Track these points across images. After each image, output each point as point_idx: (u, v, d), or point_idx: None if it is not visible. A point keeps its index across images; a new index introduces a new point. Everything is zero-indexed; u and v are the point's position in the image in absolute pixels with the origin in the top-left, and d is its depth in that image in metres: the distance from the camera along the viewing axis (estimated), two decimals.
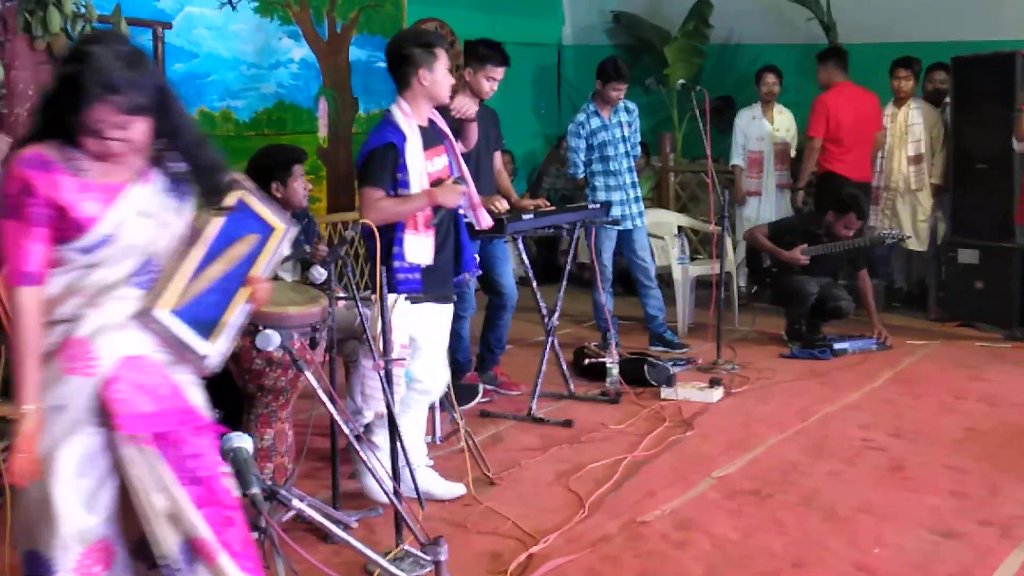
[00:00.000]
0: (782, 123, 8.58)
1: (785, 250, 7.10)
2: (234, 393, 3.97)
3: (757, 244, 7.33)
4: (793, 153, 8.62)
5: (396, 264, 4.21)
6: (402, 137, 4.21)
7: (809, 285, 6.98)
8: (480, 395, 5.88)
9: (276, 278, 4.61)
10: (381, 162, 4.18)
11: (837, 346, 6.94)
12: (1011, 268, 7.43)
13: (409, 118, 4.26)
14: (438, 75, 4.30)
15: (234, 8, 7.63)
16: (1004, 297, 7.45)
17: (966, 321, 7.60)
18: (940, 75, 8.07)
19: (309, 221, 5.11)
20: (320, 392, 3.33)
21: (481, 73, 5.75)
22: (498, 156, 6.15)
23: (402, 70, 4.27)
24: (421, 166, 4.27)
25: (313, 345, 3.86)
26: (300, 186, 4.84)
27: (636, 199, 7.03)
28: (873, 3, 9.30)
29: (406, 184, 4.20)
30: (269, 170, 4.79)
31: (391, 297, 4.09)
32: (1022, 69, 7.36)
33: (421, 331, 4.35)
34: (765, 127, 8.52)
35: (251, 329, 3.58)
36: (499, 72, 5.78)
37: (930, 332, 7.48)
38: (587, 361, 6.42)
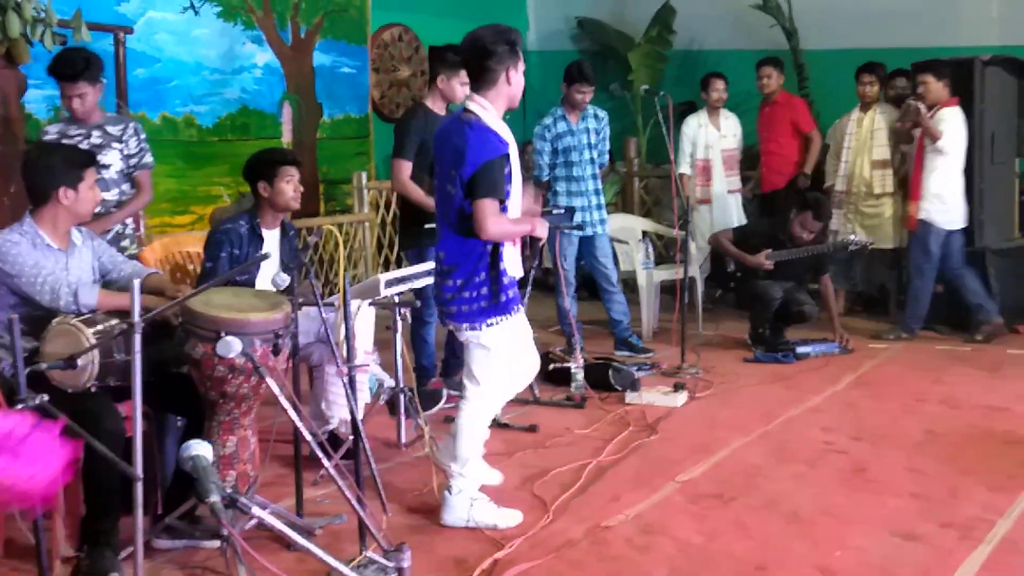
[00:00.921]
0: (729, 129, 8.55)
1: (750, 255, 7.15)
2: (196, 400, 3.94)
3: (722, 249, 7.36)
4: (740, 157, 8.63)
5: (504, 281, 4.11)
6: (507, 145, 4.06)
7: (773, 290, 7.02)
8: (443, 400, 5.87)
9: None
10: (500, 173, 3.99)
11: (800, 350, 6.99)
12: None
13: (498, 122, 4.10)
14: (521, 76, 4.16)
15: (197, 13, 7.59)
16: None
17: (927, 325, 7.67)
18: (901, 81, 8.15)
19: (295, 234, 5.08)
20: (282, 399, 3.31)
21: (456, 79, 5.78)
22: None
23: (487, 66, 4.05)
24: (519, 177, 4.19)
25: (276, 351, 3.84)
26: (289, 188, 4.79)
27: (599, 206, 7.05)
28: (834, 10, 9.41)
29: (508, 195, 4.08)
30: (257, 169, 4.81)
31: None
32: (980, 74, 7.46)
33: (523, 338, 4.29)
34: (712, 134, 8.49)
35: (213, 336, 3.56)
36: None
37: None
38: (552, 366, 6.42)
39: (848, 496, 4.50)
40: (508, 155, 4.03)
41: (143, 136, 5.35)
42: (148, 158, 5.37)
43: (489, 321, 4.10)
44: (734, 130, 8.59)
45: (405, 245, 6.03)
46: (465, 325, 4.12)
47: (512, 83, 4.09)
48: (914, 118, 7.32)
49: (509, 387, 4.36)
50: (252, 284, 4.72)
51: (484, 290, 4.07)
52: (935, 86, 7.27)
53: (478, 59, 4.06)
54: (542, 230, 4.23)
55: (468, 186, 3.97)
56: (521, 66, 4.14)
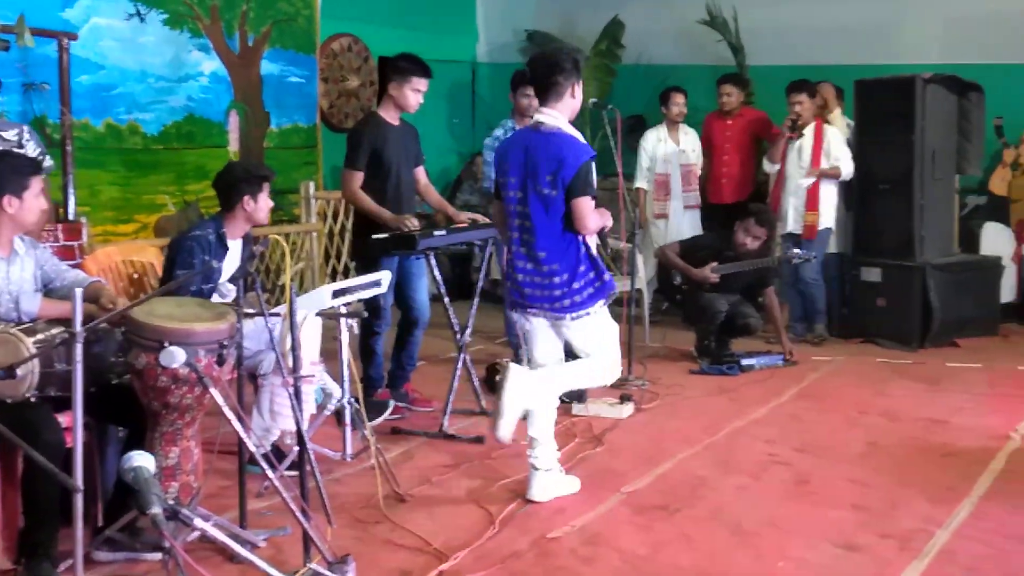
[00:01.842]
0: (688, 144, 8.66)
1: (696, 268, 7.20)
2: (138, 410, 3.89)
3: (668, 262, 7.42)
4: (699, 172, 8.73)
5: (602, 273, 4.57)
6: (592, 148, 4.56)
7: (718, 303, 7.08)
8: (389, 411, 5.84)
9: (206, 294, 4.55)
10: (593, 173, 4.49)
11: (745, 362, 7.05)
12: (912, 286, 7.65)
13: (573, 129, 4.58)
14: (581, 91, 4.59)
15: (143, 20, 7.51)
16: (905, 314, 7.66)
17: (869, 338, 7.78)
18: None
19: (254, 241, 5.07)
20: (226, 410, 3.28)
21: (407, 86, 5.79)
22: (423, 172, 6.16)
23: (556, 80, 4.48)
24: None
25: (221, 362, 3.81)
26: (266, 204, 4.91)
27: None
28: (780, 27, 9.54)
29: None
30: (244, 183, 4.84)
31: None
32: (921, 92, 7.59)
33: (613, 328, 4.69)
34: (672, 148, 8.59)
35: (156, 346, 3.52)
36: (424, 84, 5.85)
37: (834, 348, 7.64)
38: (499, 378, 6.40)
39: (791, 507, 4.55)
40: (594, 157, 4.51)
41: (37, 138, 5.31)
42: (49, 162, 5.32)
43: (601, 302, 4.58)
44: (693, 145, 8.68)
45: (355, 255, 6.01)
46: (581, 312, 4.53)
47: (576, 97, 4.55)
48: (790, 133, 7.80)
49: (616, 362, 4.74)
50: (210, 295, 4.71)
51: (590, 275, 4.53)
52: (809, 105, 7.75)
53: (548, 74, 4.50)
54: (609, 220, 4.70)
55: (568, 187, 4.41)
56: (581, 82, 4.57)
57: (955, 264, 7.96)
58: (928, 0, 9.40)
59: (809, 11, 9.55)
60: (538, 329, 4.67)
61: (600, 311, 4.58)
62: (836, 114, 8.30)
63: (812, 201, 7.78)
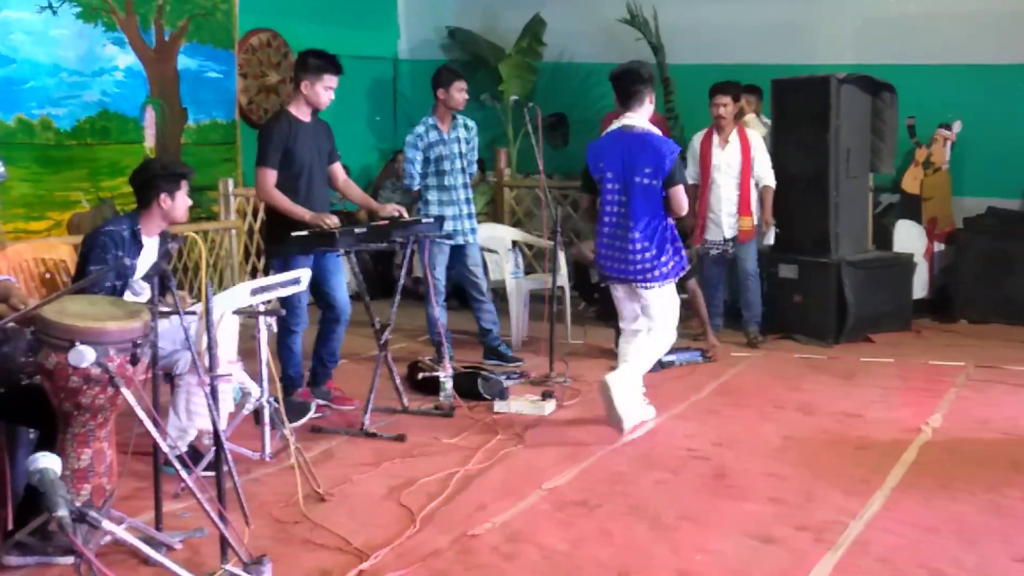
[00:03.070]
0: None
1: None
2: (49, 411, 3.81)
3: (583, 260, 7.44)
4: None
5: (678, 246, 5.64)
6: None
7: None
8: (312, 412, 5.79)
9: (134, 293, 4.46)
10: (682, 165, 5.78)
11: (665, 359, 7.08)
12: (828, 283, 7.78)
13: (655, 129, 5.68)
14: (654, 99, 5.71)
15: (55, 13, 7.35)
16: (822, 310, 7.80)
17: (786, 334, 7.90)
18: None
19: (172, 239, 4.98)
20: (139, 410, 3.22)
21: (319, 84, 5.74)
22: (340, 168, 6.10)
23: (639, 89, 5.56)
24: None
25: (134, 361, 3.74)
26: (184, 203, 4.87)
27: (469, 215, 7.07)
28: (699, 26, 9.66)
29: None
30: (161, 180, 4.79)
31: None
32: (836, 92, 7.73)
33: (677, 300, 5.75)
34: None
35: (66, 345, 3.44)
36: (335, 81, 5.80)
37: (752, 344, 7.74)
38: (421, 375, 6.40)
39: (709, 501, 4.61)
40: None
41: None
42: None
43: (679, 274, 5.66)
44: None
45: (271, 253, 5.94)
46: (662, 282, 5.58)
47: (652, 103, 5.65)
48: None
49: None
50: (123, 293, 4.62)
51: (671, 251, 5.57)
52: (732, 108, 7.69)
53: (632, 84, 5.58)
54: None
55: (667, 178, 5.48)
56: (654, 92, 5.68)
57: (869, 261, 8.12)
58: (843, 2, 9.59)
59: (728, 11, 9.69)
60: (624, 296, 5.75)
61: (673, 285, 5.66)
62: (751, 118, 8.37)
63: (744, 205, 7.70)
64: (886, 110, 8.20)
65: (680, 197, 5.55)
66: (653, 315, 5.66)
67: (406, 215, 6.07)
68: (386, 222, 5.98)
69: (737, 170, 7.70)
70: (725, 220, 7.73)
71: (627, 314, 5.79)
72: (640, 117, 5.59)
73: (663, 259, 5.55)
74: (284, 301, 5.48)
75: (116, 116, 7.84)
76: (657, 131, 5.64)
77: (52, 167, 7.38)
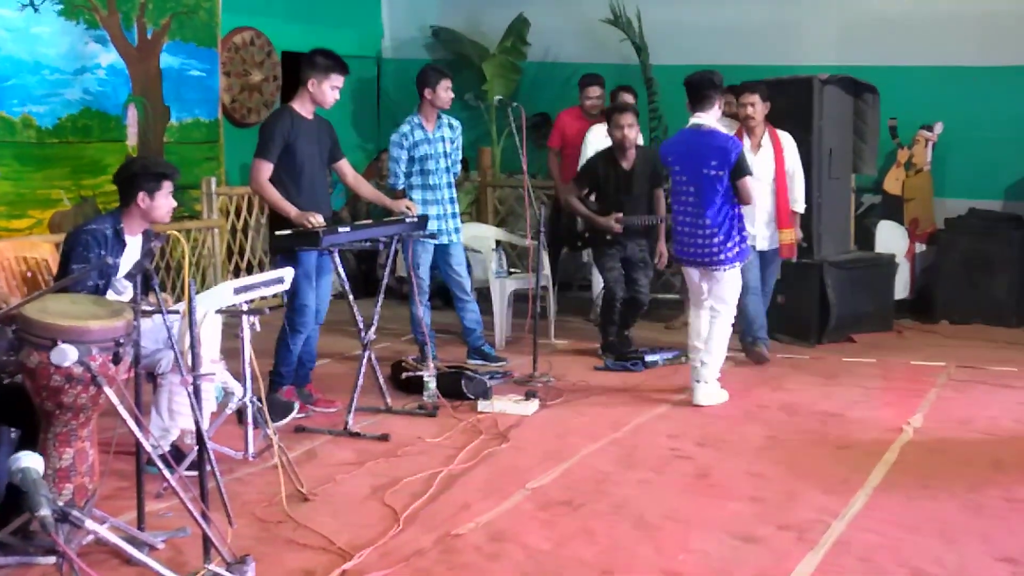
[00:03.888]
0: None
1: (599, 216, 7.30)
2: (31, 410, 3.79)
3: (573, 209, 7.39)
4: None
5: (744, 235, 6.24)
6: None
7: (617, 288, 7.19)
8: (295, 412, 5.78)
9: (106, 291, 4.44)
10: (746, 159, 6.21)
11: (648, 359, 7.13)
12: (810, 283, 7.81)
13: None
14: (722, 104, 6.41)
15: (36, 10, 7.30)
16: (804, 311, 7.82)
17: (769, 333, 7.90)
18: (729, 97, 8.31)
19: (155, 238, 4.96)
20: (121, 410, 3.21)
21: (327, 83, 5.79)
22: (347, 165, 6.18)
23: (710, 94, 6.14)
24: None
25: (116, 360, 3.73)
26: (168, 202, 4.84)
27: (453, 214, 7.07)
28: (682, 27, 9.68)
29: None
30: (139, 179, 4.77)
31: None
32: (819, 92, 7.75)
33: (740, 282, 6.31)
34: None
35: (48, 344, 3.43)
36: (342, 81, 5.86)
37: (735, 344, 7.74)
38: (404, 375, 6.40)
39: (692, 501, 4.62)
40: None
41: None
42: None
43: (744, 259, 6.23)
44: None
45: (274, 249, 5.92)
46: (730, 265, 6.11)
47: (720, 108, 6.28)
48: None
49: None
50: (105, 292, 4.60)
51: (737, 237, 6.12)
52: (761, 108, 7.18)
53: (704, 88, 6.16)
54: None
55: (733, 170, 6.00)
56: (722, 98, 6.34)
57: (851, 261, 8.16)
58: (826, 3, 9.63)
59: (711, 12, 9.71)
60: (697, 279, 6.26)
61: (739, 268, 6.20)
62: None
63: (783, 217, 7.21)
64: (868, 111, 8.25)
65: (748, 187, 6.09)
66: (722, 296, 6.19)
67: (416, 212, 6.21)
68: (396, 216, 6.15)
69: (772, 177, 7.20)
70: (759, 231, 7.17)
71: (697, 293, 6.33)
72: (709, 117, 6.14)
73: (729, 244, 6.07)
74: (293, 301, 5.63)
75: (98, 114, 7.80)
76: (723, 129, 6.30)
77: (34, 165, 7.33)
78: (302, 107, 5.84)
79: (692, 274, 6.32)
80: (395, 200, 6.46)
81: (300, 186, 5.78)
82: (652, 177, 7.35)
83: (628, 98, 8.28)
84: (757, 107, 7.15)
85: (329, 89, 5.78)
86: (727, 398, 6.22)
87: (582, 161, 7.95)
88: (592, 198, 7.38)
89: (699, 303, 6.32)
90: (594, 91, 8.52)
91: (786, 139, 7.30)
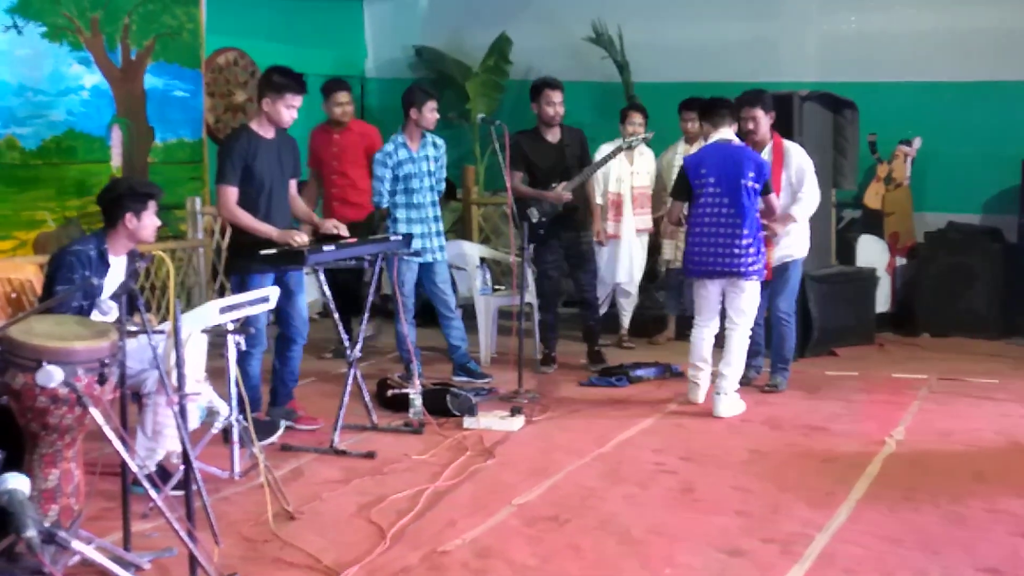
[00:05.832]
0: (642, 166, 8.23)
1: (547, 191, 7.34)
2: (16, 431, 3.79)
3: (521, 194, 7.26)
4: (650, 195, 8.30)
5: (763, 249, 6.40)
6: None
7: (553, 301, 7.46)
8: (281, 431, 5.79)
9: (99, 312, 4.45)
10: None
11: (633, 374, 7.16)
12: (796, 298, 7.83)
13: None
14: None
15: (20, 32, 7.31)
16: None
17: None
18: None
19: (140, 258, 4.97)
20: (107, 430, 3.22)
21: (280, 103, 5.70)
22: (294, 184, 6.07)
23: (724, 113, 6.47)
24: None
25: (102, 381, 3.74)
26: (151, 223, 4.87)
27: (438, 232, 7.09)
28: (664, 44, 9.75)
29: None
30: (126, 200, 4.79)
31: None
32: (799, 109, 7.82)
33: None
34: (625, 168, 8.12)
35: (33, 365, 3.44)
36: (299, 100, 5.75)
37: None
38: (390, 392, 6.41)
39: (677, 515, 4.65)
40: None
41: None
42: None
43: (763, 277, 6.41)
44: (647, 167, 8.26)
45: (230, 271, 5.90)
46: (757, 276, 6.30)
47: (735, 126, 6.54)
48: None
49: None
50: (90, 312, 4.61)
51: (763, 249, 6.35)
52: (765, 121, 6.84)
53: (718, 107, 6.50)
54: None
55: (765, 184, 6.33)
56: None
57: (833, 275, 8.21)
58: (805, 21, 9.71)
59: (692, 30, 9.77)
60: (713, 293, 6.39)
61: (759, 282, 6.40)
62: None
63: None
64: (848, 127, 8.32)
65: (775, 201, 6.46)
66: (744, 308, 6.32)
67: (344, 231, 5.95)
68: (348, 237, 5.94)
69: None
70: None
71: (708, 310, 6.44)
72: (730, 132, 6.46)
73: (759, 256, 6.29)
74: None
75: (82, 135, 7.80)
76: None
77: (17, 186, 7.33)
78: (259, 126, 5.78)
79: (710, 287, 6.40)
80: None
81: (259, 206, 5.72)
82: (582, 154, 7.55)
83: (637, 117, 8.11)
84: (760, 121, 6.79)
85: (284, 108, 5.69)
86: (745, 408, 6.34)
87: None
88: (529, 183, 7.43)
89: (706, 322, 6.43)
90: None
91: (792, 149, 6.89)
